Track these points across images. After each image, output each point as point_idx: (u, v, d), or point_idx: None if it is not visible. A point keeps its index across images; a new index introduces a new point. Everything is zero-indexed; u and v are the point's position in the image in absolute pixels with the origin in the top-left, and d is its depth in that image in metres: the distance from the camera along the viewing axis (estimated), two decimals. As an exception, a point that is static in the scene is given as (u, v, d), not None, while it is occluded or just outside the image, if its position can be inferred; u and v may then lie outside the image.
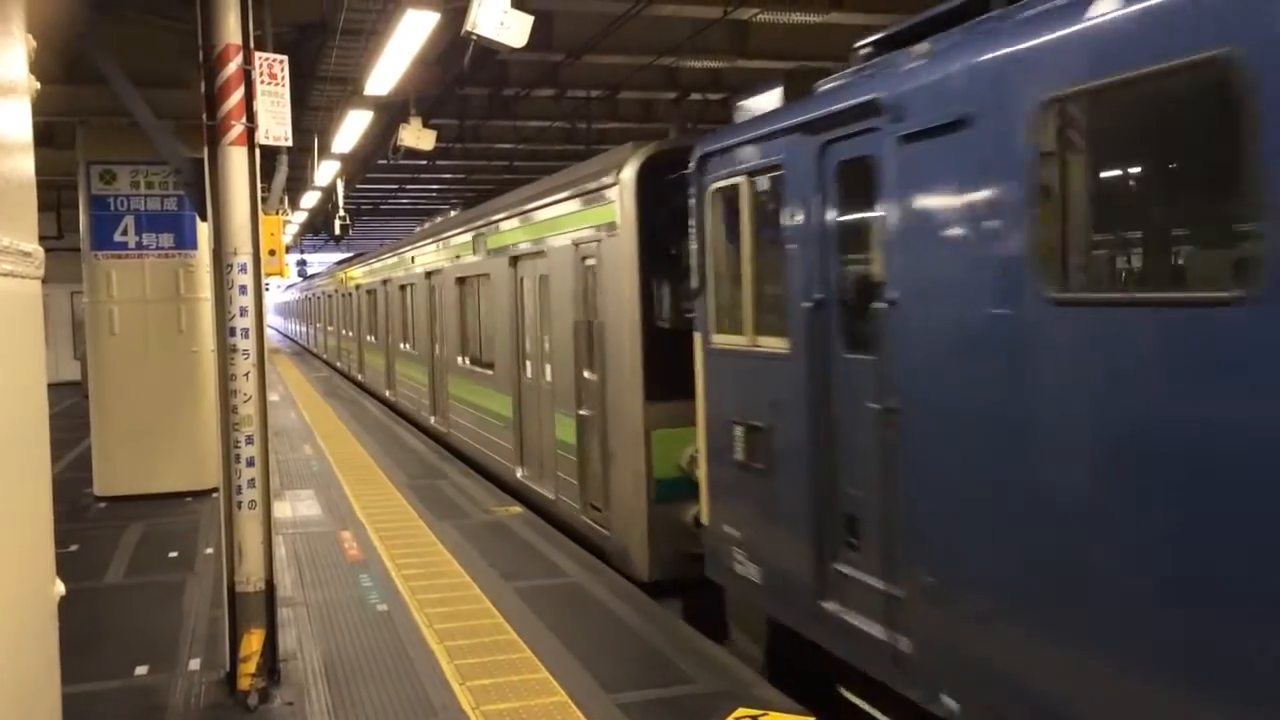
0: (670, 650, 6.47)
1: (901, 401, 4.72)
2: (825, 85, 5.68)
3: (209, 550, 9.22)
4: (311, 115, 13.46)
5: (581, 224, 9.10)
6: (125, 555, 9.35)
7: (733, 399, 6.42)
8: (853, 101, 5.07)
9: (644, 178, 8.08)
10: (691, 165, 6.83)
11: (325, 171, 17.39)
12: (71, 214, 14.02)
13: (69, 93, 10.52)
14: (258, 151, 6.05)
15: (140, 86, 6.97)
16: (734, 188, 6.31)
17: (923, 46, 4.78)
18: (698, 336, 6.83)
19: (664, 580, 7.94)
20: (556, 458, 9.99)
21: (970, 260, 4.25)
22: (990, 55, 4.18)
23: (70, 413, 17.63)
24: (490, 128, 18.18)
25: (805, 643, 5.68)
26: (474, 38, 6.85)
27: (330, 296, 33.24)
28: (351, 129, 13.13)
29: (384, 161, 18.69)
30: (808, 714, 5.53)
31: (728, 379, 6.54)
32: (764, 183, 6.09)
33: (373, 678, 6.13)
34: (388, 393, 21.38)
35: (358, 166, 19.13)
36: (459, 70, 11.85)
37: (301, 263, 51.48)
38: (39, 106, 3.47)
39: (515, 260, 11.40)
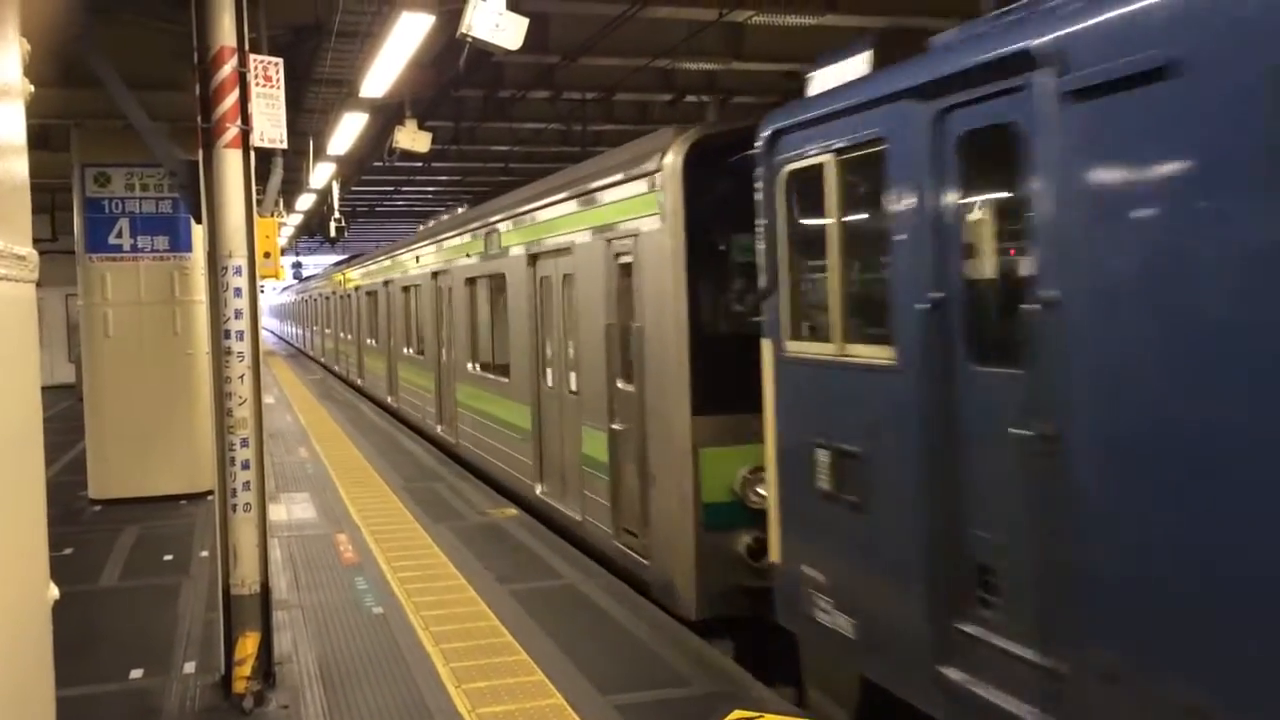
0: (666, 652, 6.47)
1: (1065, 427, 3.74)
2: (942, 40, 4.86)
3: (204, 553, 9.20)
4: (307, 117, 13.45)
5: (615, 217, 8.20)
6: (120, 558, 9.34)
7: (814, 417, 5.45)
8: (991, 55, 4.11)
9: (690, 164, 7.16)
10: (759, 145, 5.87)
11: (320, 174, 17.39)
12: (66, 217, 14.02)
13: (63, 95, 10.50)
14: (253, 154, 6.04)
15: (135, 89, 6.98)
16: (816, 169, 5.33)
17: None
18: (767, 344, 5.89)
19: (714, 618, 7.06)
20: (583, 475, 9.07)
21: (1189, 249, 3.29)
22: None
23: (65, 416, 17.60)
24: (486, 130, 18.18)
25: (909, 709, 4.78)
26: (469, 40, 6.86)
27: (328, 299, 32.48)
28: (347, 131, 13.12)
29: (379, 164, 18.68)
30: (804, 716, 5.53)
31: (807, 394, 5.58)
32: (858, 161, 5.10)
33: (368, 680, 6.12)
34: (389, 399, 20.45)
35: (353, 169, 19.12)
36: (454, 72, 11.86)
37: (297, 265, 51.47)
38: (33, 109, 3.47)
39: (534, 258, 10.50)
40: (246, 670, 5.82)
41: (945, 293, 4.44)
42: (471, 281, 13.38)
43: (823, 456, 5.29)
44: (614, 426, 8.30)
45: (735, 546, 7.01)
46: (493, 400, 12.37)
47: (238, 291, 5.89)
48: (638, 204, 7.73)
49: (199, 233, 9.43)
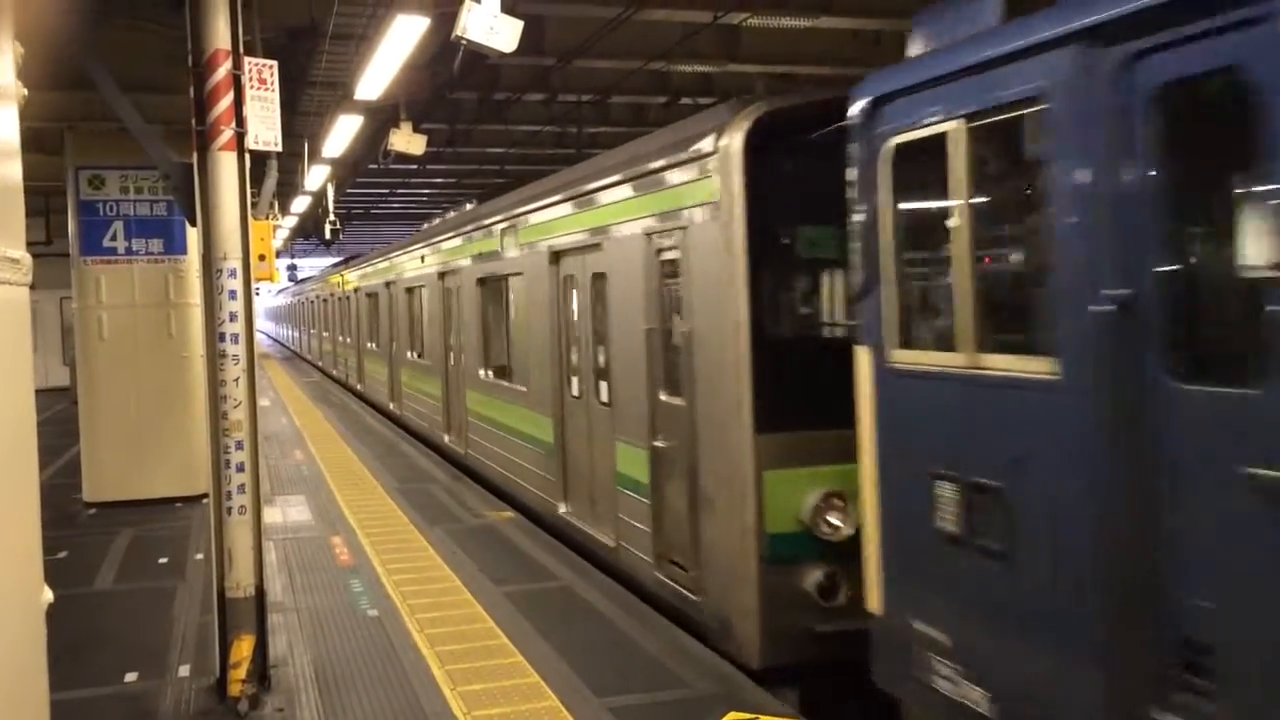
0: (662, 654, 6.47)
1: None
2: None
3: (199, 556, 9.20)
4: (302, 120, 13.45)
5: (658, 208, 7.27)
6: (115, 561, 9.32)
7: (933, 442, 4.55)
8: None
9: (753, 145, 6.22)
10: (853, 115, 5.00)
11: (315, 176, 17.39)
12: (61, 220, 13.99)
13: (57, 98, 10.50)
14: (247, 156, 6.04)
15: (129, 91, 6.96)
16: (935, 140, 4.46)
17: None
18: (863, 353, 5.02)
19: (779, 665, 6.20)
20: (618, 496, 8.12)
21: None
22: None
23: (60, 419, 17.57)
24: (481, 132, 18.22)
25: None
26: (464, 43, 6.86)
27: (325, 301, 31.64)
28: (342, 134, 13.12)
29: (374, 166, 18.72)
30: (800, 718, 5.53)
31: (923, 413, 4.65)
32: (999, 127, 4.21)
33: (364, 683, 6.12)
34: (391, 405, 19.34)
35: (348, 171, 19.13)
36: (449, 75, 11.87)
37: (292, 267, 51.48)
38: (27, 112, 3.47)
39: (558, 256, 9.54)
40: (241, 673, 5.81)
41: (1134, 290, 3.54)
42: (483, 282, 12.46)
43: (946, 491, 4.41)
44: (656, 444, 7.37)
45: (804, 584, 6.14)
46: (508, 410, 11.36)
47: (232, 294, 5.89)
48: (688, 192, 6.81)
49: (194, 235, 9.43)
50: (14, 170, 3.29)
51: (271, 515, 10.47)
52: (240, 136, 5.93)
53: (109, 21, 8.94)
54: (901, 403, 4.79)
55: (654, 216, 7.32)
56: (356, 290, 23.87)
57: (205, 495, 6.50)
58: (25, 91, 3.48)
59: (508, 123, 16.90)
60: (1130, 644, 3.59)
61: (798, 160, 6.10)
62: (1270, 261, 3.17)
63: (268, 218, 13.50)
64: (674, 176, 7.02)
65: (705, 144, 6.57)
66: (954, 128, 4.35)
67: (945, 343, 4.53)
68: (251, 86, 6.01)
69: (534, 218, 10.23)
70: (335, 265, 32.94)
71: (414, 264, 16.75)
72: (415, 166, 20.90)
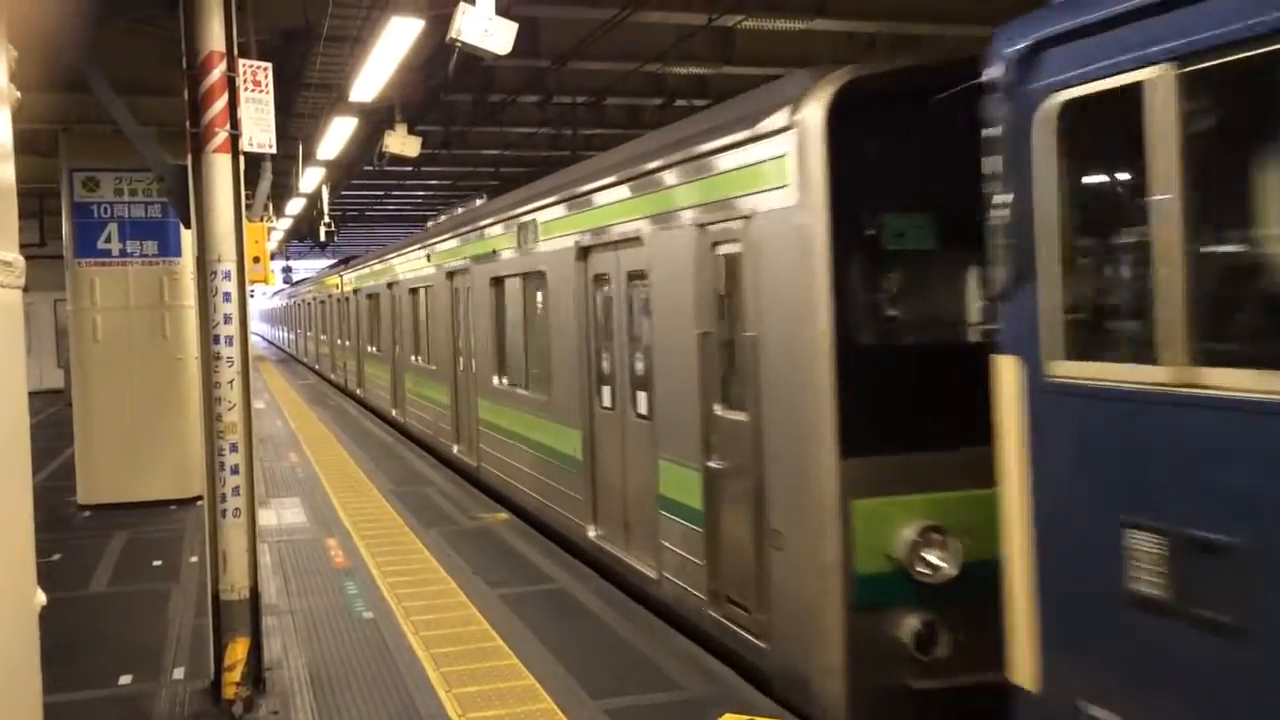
0: (657, 655, 6.47)
1: None
2: None
3: (194, 558, 9.18)
4: (296, 122, 13.44)
5: (714, 195, 6.41)
6: (109, 564, 9.30)
7: (1122, 479, 3.62)
8: None
9: (838, 118, 5.35)
10: (996, 69, 4.02)
11: (310, 178, 17.37)
12: (55, 222, 13.96)
13: (51, 100, 10.48)
14: (242, 158, 6.04)
15: (123, 94, 6.96)
16: (1124, 94, 3.48)
17: None
18: (1007, 365, 4.07)
19: None
20: (661, 521, 7.27)
21: None
22: None
23: (54, 421, 17.54)
24: (476, 134, 18.22)
25: None
26: (459, 45, 6.86)
27: (324, 302, 30.82)
28: (336, 136, 13.12)
29: (369, 168, 18.71)
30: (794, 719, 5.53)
31: (1106, 442, 3.71)
32: (1231, 71, 3.18)
33: (358, 685, 6.12)
34: (394, 412, 18.43)
35: (343, 173, 19.12)
36: (444, 77, 11.87)
37: (287, 269, 51.47)
38: (21, 114, 3.47)
39: (586, 252, 8.67)
40: (236, 676, 5.80)
41: None
42: (499, 281, 11.54)
43: (1144, 543, 3.51)
44: (711, 464, 6.54)
45: (898, 633, 5.28)
46: (528, 421, 10.43)
47: (227, 296, 5.88)
48: (754, 175, 5.93)
49: (188, 238, 9.44)
50: (7, 172, 3.29)
51: (266, 518, 10.46)
52: (235, 139, 5.93)
53: (104, 24, 8.95)
54: (1068, 427, 3.83)
55: (709, 205, 6.48)
56: (356, 291, 23.14)
57: (200, 497, 6.50)
58: (19, 94, 3.48)
59: (503, 125, 16.91)
60: None
61: (885, 137, 5.37)
62: None
63: (262, 220, 13.50)
64: (735, 158, 6.14)
65: (777, 119, 5.65)
66: (1156, 76, 3.37)
67: (1140, 353, 3.56)
68: (246, 89, 6.01)
69: (558, 210, 9.38)
70: (333, 265, 32.38)
71: (419, 263, 15.91)
72: (410, 168, 20.89)
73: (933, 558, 5.26)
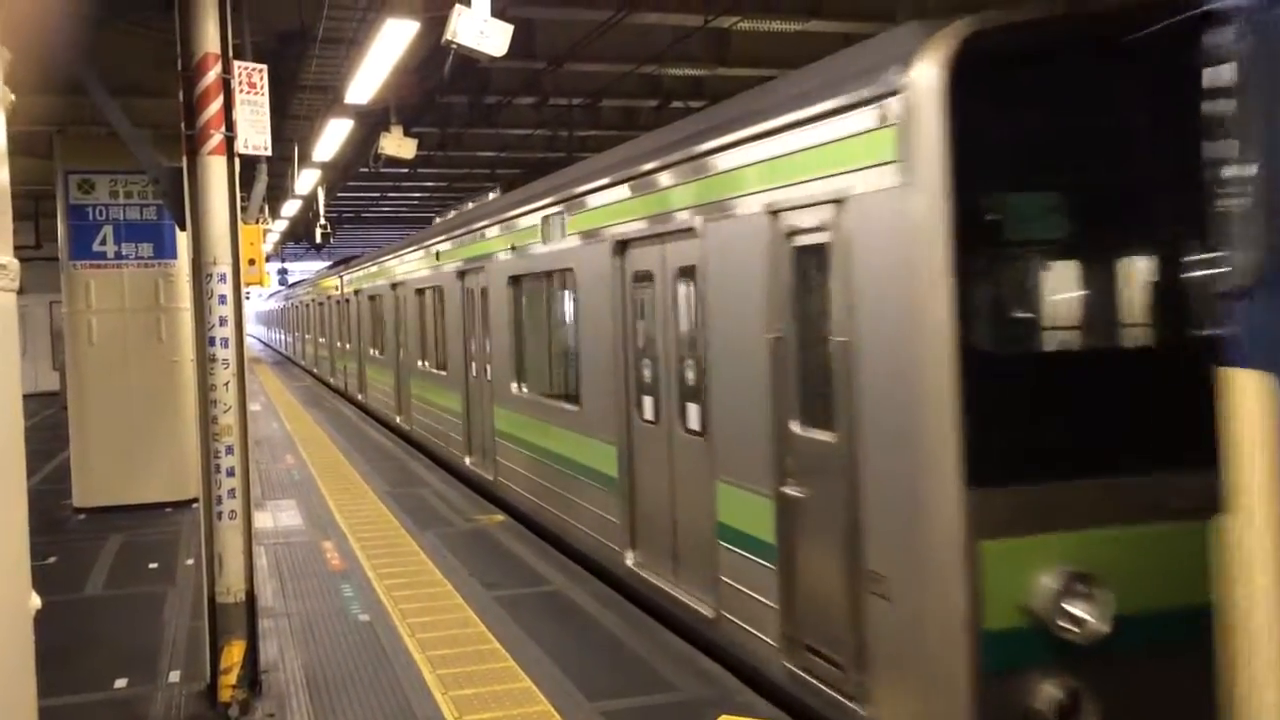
0: (654, 657, 6.46)
1: None
2: None
3: (189, 561, 9.17)
4: (292, 124, 13.44)
5: (793, 175, 5.46)
6: (105, 567, 9.29)
7: None
8: None
9: (961, 80, 4.38)
10: None
11: (306, 180, 17.37)
12: (50, 224, 13.96)
13: (46, 102, 10.46)
14: (237, 161, 6.03)
15: (118, 95, 6.96)
16: None
17: None
18: (1247, 380, 2.99)
19: None
20: (720, 553, 6.35)
21: None
22: None
23: (49, 423, 17.52)
24: (472, 136, 18.22)
25: None
26: (454, 46, 6.86)
27: (322, 304, 30.12)
28: (332, 137, 13.11)
29: (365, 170, 18.70)
30: (791, 720, 5.49)
31: None
32: None
33: (355, 688, 6.11)
34: (399, 419, 17.59)
35: (339, 175, 19.13)
36: (440, 79, 11.87)
37: (283, 271, 51.43)
38: (16, 117, 3.46)
39: (624, 246, 7.78)
40: (232, 679, 5.79)
41: None
42: (517, 280, 10.70)
43: None
44: (787, 491, 5.60)
45: (1035, 702, 4.35)
46: (553, 434, 9.61)
47: (222, 298, 5.87)
48: (849, 150, 4.99)
49: (183, 240, 9.43)
50: (2, 175, 3.28)
51: (262, 520, 10.45)
52: (230, 141, 5.93)
53: (100, 26, 8.94)
54: None
55: (786, 187, 5.53)
56: (358, 292, 22.25)
57: (195, 500, 6.50)
58: (13, 97, 3.47)
59: (498, 126, 16.91)
60: None
61: (1019, 101, 4.48)
62: None
63: (258, 222, 13.50)
64: (823, 132, 5.21)
65: (884, 81, 4.69)
66: None
67: None
68: (241, 90, 6.01)
69: (590, 201, 8.47)
70: (333, 266, 31.82)
71: (426, 262, 15.00)
72: (406, 170, 20.90)
73: (1079, 611, 4.32)
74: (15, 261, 3.30)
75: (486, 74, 13.90)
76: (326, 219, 22.11)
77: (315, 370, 33.03)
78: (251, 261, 8.35)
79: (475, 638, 6.89)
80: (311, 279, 37.83)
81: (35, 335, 23.94)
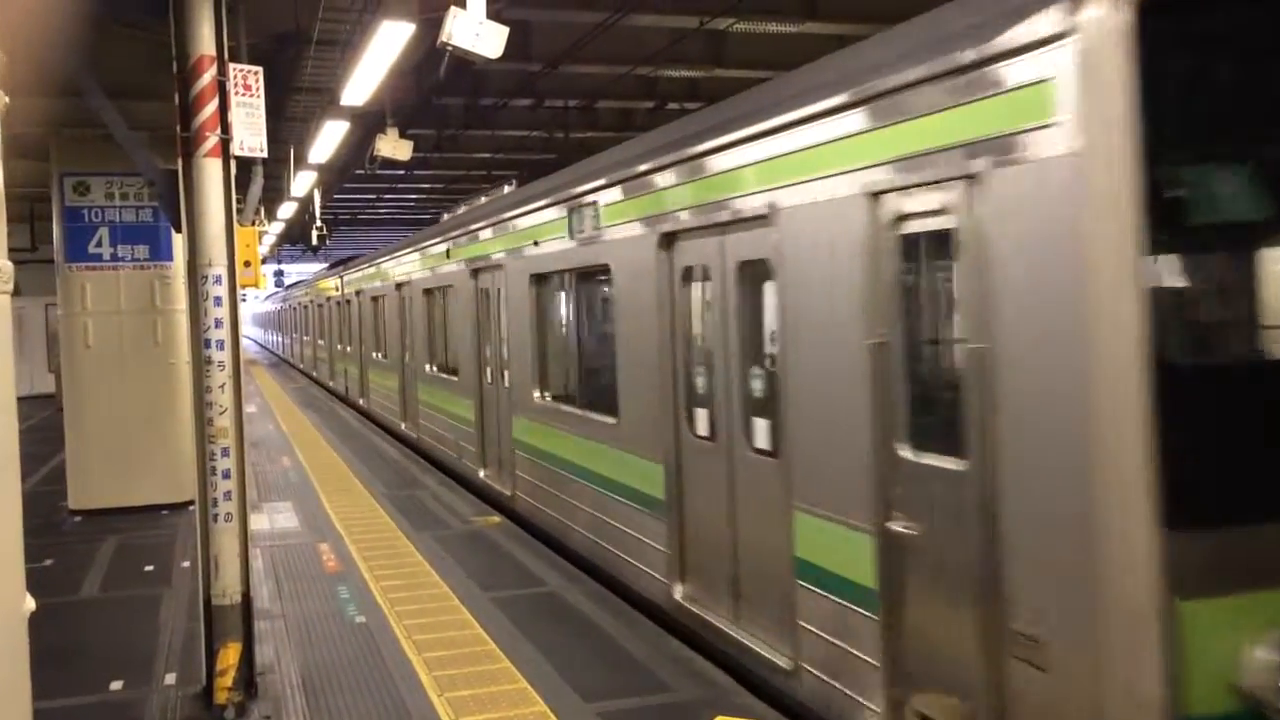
0: (650, 659, 6.47)
1: None
2: None
3: (185, 563, 9.16)
4: (287, 126, 13.45)
5: (904, 148, 4.52)
6: (100, 569, 9.27)
7: None
8: None
9: (1158, 15, 3.49)
10: None
11: (302, 182, 17.37)
12: (46, 226, 13.95)
13: (41, 104, 10.46)
14: (233, 163, 6.03)
15: (114, 97, 6.94)
16: None
17: None
18: None
19: None
20: (800, 595, 5.48)
21: None
22: None
23: (45, 426, 17.49)
24: (468, 137, 18.22)
25: None
26: (450, 48, 6.87)
27: (321, 305, 29.41)
28: (328, 139, 13.11)
29: (361, 171, 18.70)
30: (787, 721, 5.46)
31: None
32: None
33: (351, 690, 6.11)
34: (404, 425, 16.87)
35: (334, 177, 19.13)
36: (435, 80, 11.88)
37: (279, 273, 51.43)
38: (11, 119, 3.46)
39: (671, 239, 6.90)
40: (228, 681, 5.79)
41: None
42: (541, 279, 9.85)
43: None
44: (894, 527, 4.70)
45: None
46: (585, 448, 8.75)
47: (218, 300, 5.88)
48: (987, 113, 4.01)
49: (179, 242, 9.42)
50: (-3, 177, 3.28)
51: (258, 522, 10.44)
52: (225, 143, 5.93)
53: (95, 28, 8.94)
54: None
55: (893, 164, 4.60)
56: (359, 293, 21.36)
57: (191, 502, 6.49)
58: (8, 99, 3.47)
59: (494, 128, 16.94)
60: None
61: (1224, 48, 3.65)
62: None
63: (253, 224, 13.49)
64: (950, 91, 4.21)
65: (1041, 22, 3.72)
66: None
67: None
68: (237, 92, 6.00)
69: (629, 189, 7.56)
70: (332, 266, 31.24)
71: (435, 261, 14.12)
72: (402, 172, 20.92)
73: None
74: (9, 264, 3.30)
75: (482, 76, 13.91)
76: (322, 221, 22.11)
77: (314, 373, 32.57)
78: (247, 263, 8.34)
79: (472, 639, 6.89)
80: (310, 280, 37.29)
81: (31, 337, 23.91)
